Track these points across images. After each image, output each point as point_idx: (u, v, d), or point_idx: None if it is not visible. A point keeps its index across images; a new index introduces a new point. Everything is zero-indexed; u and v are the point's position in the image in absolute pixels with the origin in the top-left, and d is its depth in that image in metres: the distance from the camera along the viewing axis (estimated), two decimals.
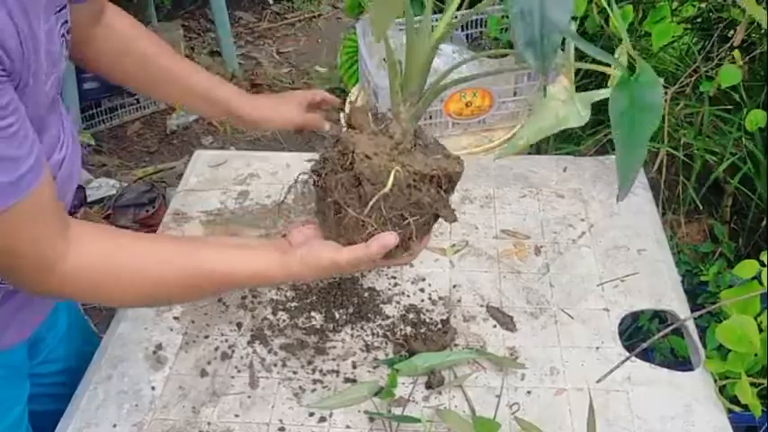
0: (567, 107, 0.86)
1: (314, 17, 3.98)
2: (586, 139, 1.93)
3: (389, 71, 0.92)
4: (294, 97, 1.34)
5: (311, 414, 1.07)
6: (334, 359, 1.15)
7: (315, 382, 1.12)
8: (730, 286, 1.16)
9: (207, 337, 1.20)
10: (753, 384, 1.06)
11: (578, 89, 0.90)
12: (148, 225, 2.57)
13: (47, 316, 1.13)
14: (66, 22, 0.95)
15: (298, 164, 1.55)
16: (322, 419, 1.06)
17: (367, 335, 1.19)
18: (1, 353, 1.05)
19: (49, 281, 0.85)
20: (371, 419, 1.05)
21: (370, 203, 0.85)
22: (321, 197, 0.93)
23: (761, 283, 1.10)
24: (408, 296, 1.25)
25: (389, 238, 0.88)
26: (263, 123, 1.29)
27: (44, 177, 0.82)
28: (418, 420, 1.03)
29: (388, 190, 0.85)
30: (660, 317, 1.49)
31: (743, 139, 1.70)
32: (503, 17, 1.89)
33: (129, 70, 1.20)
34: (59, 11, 0.93)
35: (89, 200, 2.68)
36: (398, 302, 1.24)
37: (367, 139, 0.89)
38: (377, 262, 0.92)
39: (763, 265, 1.11)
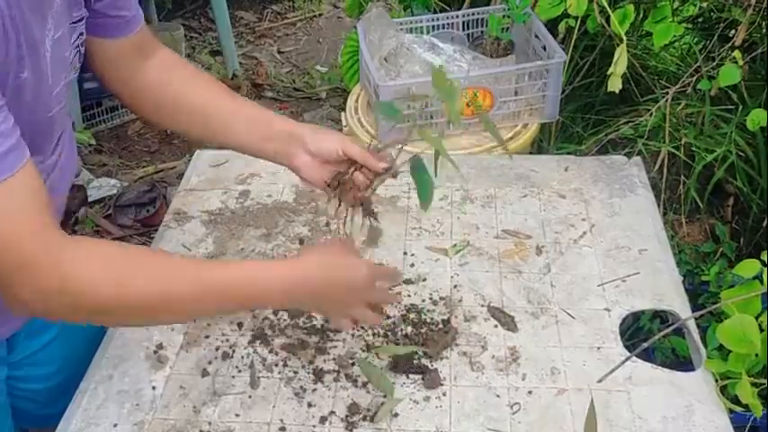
0: None
1: (315, 17, 3.98)
2: (588, 138, 1.93)
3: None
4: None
5: (311, 415, 1.07)
6: (335, 359, 1.15)
7: (316, 381, 1.12)
8: (731, 286, 1.16)
9: (208, 336, 1.20)
10: (753, 384, 1.06)
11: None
12: (149, 225, 2.57)
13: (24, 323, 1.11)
14: (82, 34, 0.98)
15: None
16: (323, 419, 1.06)
17: (368, 335, 1.18)
18: None
19: (48, 277, 0.80)
20: (372, 420, 1.05)
21: None
22: None
23: (762, 283, 1.09)
24: (409, 296, 1.25)
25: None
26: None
27: (25, 166, 0.79)
28: None
29: None
30: (661, 317, 1.49)
31: (743, 138, 1.70)
32: (504, 17, 1.89)
33: (174, 111, 1.15)
34: (75, 22, 0.96)
35: (90, 200, 2.68)
36: (399, 302, 1.24)
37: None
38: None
39: (764, 264, 1.11)
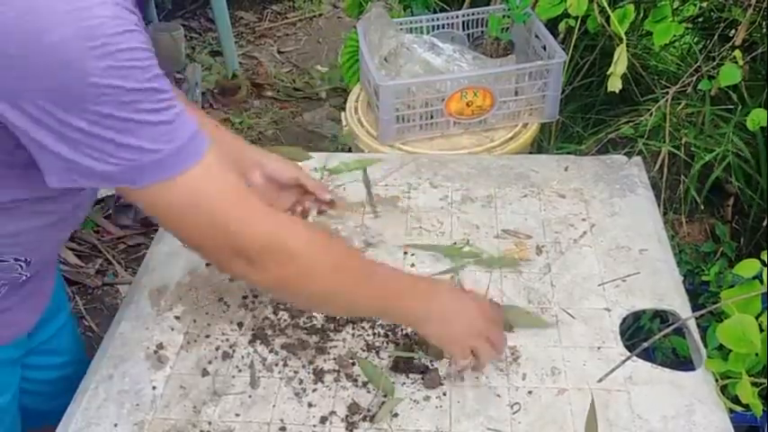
0: None
1: (315, 17, 3.98)
2: (588, 138, 1.93)
3: None
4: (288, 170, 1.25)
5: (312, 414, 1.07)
6: (335, 359, 1.15)
7: (316, 381, 1.12)
8: (731, 286, 1.16)
9: (208, 336, 1.20)
10: (754, 384, 1.06)
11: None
12: (149, 224, 2.57)
13: (41, 313, 1.13)
14: None
15: (299, 163, 1.55)
16: (323, 419, 1.06)
17: (368, 335, 1.18)
18: None
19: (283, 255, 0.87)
20: (372, 419, 1.05)
21: None
22: None
23: (762, 283, 1.09)
24: None
25: None
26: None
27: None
28: None
29: None
30: (661, 317, 1.49)
31: (743, 138, 1.70)
32: (504, 17, 1.89)
33: None
34: None
35: None
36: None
37: None
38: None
39: (764, 264, 1.11)
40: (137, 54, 0.72)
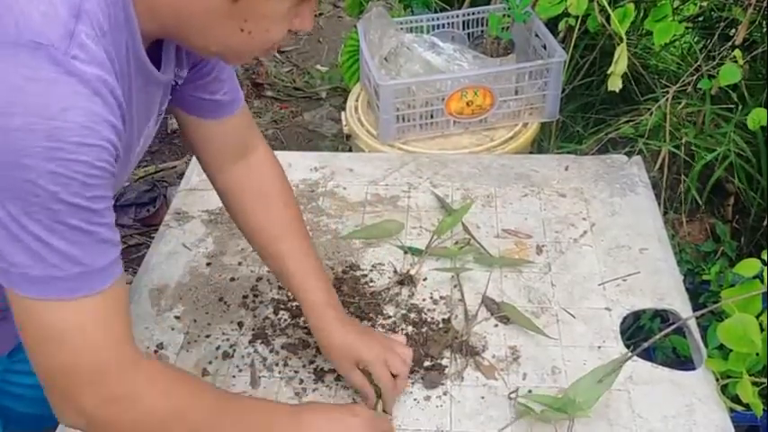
0: None
1: (315, 16, 3.97)
2: (588, 138, 1.93)
3: None
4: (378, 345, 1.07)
5: None
6: None
7: (316, 381, 1.12)
8: (732, 285, 1.16)
9: (208, 336, 1.20)
10: (754, 383, 1.06)
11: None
12: (150, 224, 2.57)
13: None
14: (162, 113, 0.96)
15: (299, 163, 1.55)
16: None
17: None
18: None
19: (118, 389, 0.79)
20: None
21: None
22: None
23: (762, 282, 1.09)
24: (410, 296, 1.25)
25: None
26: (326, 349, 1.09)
27: (122, 276, 0.79)
28: None
29: None
30: (662, 316, 1.49)
31: (744, 137, 1.70)
32: (504, 16, 1.89)
33: (244, 226, 1.14)
34: (161, 113, 0.94)
35: None
36: (399, 302, 1.24)
37: None
38: None
39: (764, 263, 1.11)
40: (85, 169, 0.69)
